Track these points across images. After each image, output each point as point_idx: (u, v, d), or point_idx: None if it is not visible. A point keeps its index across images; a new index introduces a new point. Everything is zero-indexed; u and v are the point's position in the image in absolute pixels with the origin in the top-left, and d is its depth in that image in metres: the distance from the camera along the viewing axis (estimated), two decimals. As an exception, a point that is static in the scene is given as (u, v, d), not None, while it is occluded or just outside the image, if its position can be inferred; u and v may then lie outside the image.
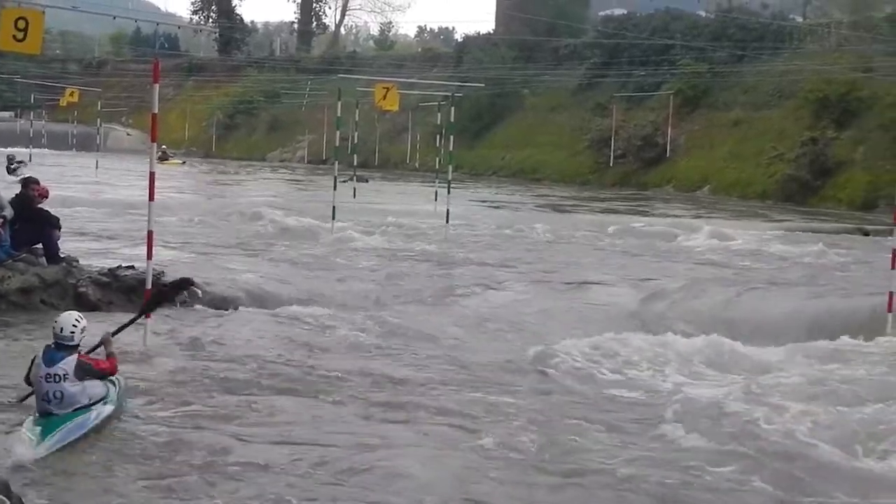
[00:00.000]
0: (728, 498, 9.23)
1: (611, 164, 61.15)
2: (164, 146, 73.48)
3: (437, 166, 42.11)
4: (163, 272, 16.52)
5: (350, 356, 13.76)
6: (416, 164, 70.11)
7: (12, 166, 42.32)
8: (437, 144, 49.01)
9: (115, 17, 73.80)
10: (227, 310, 16.48)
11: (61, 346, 10.19)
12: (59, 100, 61.93)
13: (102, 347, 10.84)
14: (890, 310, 16.49)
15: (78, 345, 10.26)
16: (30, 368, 10.26)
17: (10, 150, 51.65)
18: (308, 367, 12.99)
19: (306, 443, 10.09)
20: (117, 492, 8.65)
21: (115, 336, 11.23)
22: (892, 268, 16.81)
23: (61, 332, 10.17)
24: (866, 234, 32.61)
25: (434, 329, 16.05)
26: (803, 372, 13.72)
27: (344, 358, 13.64)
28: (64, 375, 9.95)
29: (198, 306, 16.43)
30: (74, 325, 10.23)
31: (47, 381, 9.98)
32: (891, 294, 16.53)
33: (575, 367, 13.59)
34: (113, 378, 10.63)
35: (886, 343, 15.79)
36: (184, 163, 70.63)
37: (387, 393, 11.97)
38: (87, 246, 21.88)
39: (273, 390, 11.90)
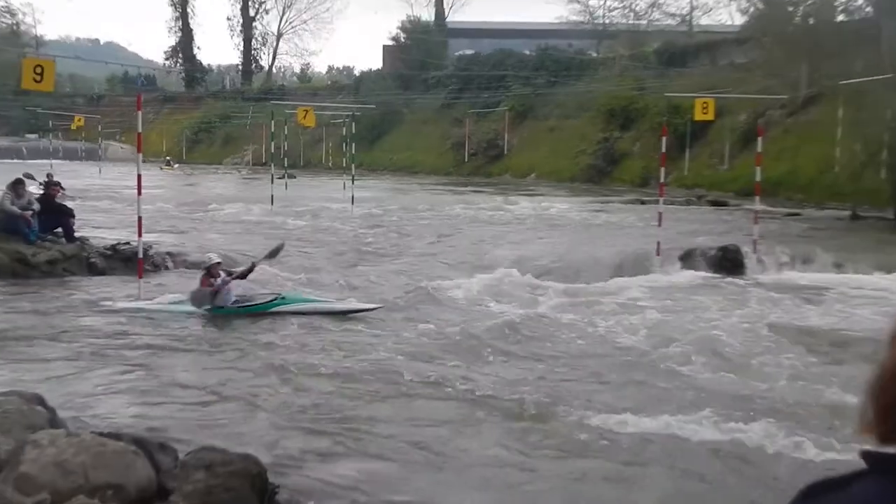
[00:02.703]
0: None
1: (466, 161, 61.20)
2: (168, 157, 72.43)
3: (344, 165, 41.78)
4: (150, 246, 16.36)
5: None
6: (330, 164, 69.08)
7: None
8: (344, 149, 48.61)
9: (107, 63, 73.77)
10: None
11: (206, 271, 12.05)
12: (70, 124, 60.45)
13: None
14: (658, 254, 17.03)
15: (206, 273, 11.86)
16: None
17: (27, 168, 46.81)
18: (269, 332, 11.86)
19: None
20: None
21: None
22: (659, 225, 17.35)
23: None
24: (642, 202, 33.27)
25: (344, 286, 16.04)
26: (594, 299, 14.09)
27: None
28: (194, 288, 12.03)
29: (181, 269, 16.29)
30: (209, 259, 12.33)
31: None
32: (658, 243, 17.05)
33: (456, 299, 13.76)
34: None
35: (655, 278, 16.34)
36: (171, 165, 68.24)
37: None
38: (95, 229, 21.43)
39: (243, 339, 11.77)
